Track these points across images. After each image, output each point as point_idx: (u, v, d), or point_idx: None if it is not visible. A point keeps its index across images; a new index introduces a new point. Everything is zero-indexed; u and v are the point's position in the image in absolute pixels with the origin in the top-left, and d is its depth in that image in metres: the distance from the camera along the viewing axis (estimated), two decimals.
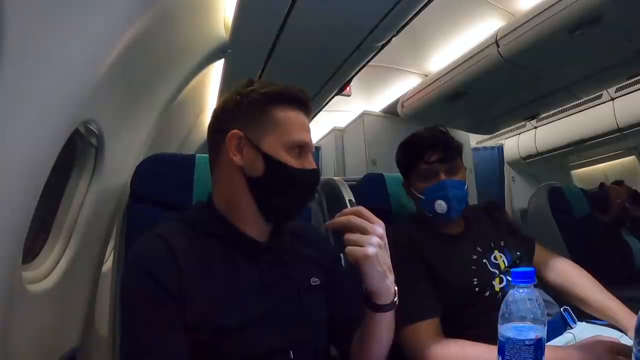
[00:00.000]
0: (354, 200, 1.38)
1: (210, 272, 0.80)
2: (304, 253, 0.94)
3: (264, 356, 0.80)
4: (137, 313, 0.76)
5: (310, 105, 0.91)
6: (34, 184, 0.78)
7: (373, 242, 0.77)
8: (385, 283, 0.81)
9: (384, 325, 0.85)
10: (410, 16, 1.82)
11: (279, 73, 2.21)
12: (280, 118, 0.85)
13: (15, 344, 0.82)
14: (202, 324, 0.76)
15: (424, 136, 1.27)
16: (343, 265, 1.05)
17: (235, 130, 0.84)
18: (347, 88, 2.98)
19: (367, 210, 0.80)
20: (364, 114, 3.67)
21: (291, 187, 0.85)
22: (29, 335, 0.92)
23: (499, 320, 0.68)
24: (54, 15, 0.71)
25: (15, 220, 0.75)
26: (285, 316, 0.84)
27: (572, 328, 1.18)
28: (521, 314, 0.65)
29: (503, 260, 1.21)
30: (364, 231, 0.78)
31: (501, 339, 0.66)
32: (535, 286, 1.24)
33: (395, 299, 0.84)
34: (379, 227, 0.79)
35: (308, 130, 0.89)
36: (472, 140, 4.38)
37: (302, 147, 0.86)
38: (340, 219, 0.79)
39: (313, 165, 0.87)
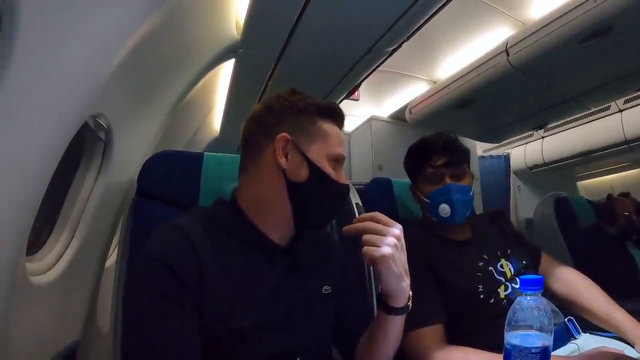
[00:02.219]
0: (360, 204, 1.37)
1: (229, 271, 0.79)
2: (318, 259, 0.94)
3: (273, 358, 0.80)
4: (151, 306, 0.73)
5: (343, 120, 0.94)
6: (41, 176, 0.78)
7: (389, 242, 0.77)
8: (401, 285, 0.81)
9: (394, 329, 0.86)
10: (422, 22, 1.82)
11: (289, 75, 2.22)
12: (326, 130, 0.88)
13: (17, 336, 0.82)
14: (218, 324, 0.75)
15: (433, 140, 1.27)
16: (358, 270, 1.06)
17: (284, 134, 0.84)
18: (356, 92, 2.98)
19: (383, 215, 0.81)
20: (372, 119, 3.67)
21: (328, 197, 0.87)
22: (31, 326, 0.92)
23: (505, 327, 0.67)
24: (67, 10, 0.71)
25: (20, 211, 0.75)
26: (296, 321, 0.84)
27: (576, 339, 1.18)
28: (528, 322, 0.65)
29: (509, 269, 1.20)
30: (380, 233, 0.78)
31: (507, 346, 0.66)
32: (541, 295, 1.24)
33: (409, 303, 0.85)
34: (396, 229, 0.80)
35: (342, 145, 0.91)
36: (479, 148, 4.37)
37: (339, 162, 0.89)
38: (357, 224, 0.80)
39: (346, 181, 0.90)
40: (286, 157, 0.84)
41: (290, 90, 0.92)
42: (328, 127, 0.88)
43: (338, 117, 0.91)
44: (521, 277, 0.70)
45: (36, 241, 1.05)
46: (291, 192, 0.85)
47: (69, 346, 1.13)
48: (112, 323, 1.02)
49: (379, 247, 0.77)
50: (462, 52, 2.79)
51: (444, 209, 1.21)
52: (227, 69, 2.21)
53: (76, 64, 0.78)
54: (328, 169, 0.85)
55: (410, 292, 0.85)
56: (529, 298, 0.66)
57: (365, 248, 0.78)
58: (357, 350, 0.94)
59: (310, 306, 0.88)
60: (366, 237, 0.79)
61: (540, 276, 0.68)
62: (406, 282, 0.82)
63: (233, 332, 0.76)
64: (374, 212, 0.81)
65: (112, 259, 1.49)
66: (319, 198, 0.86)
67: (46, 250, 1.06)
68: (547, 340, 0.64)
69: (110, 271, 1.36)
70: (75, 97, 0.81)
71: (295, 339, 0.83)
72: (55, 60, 0.73)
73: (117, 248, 1.14)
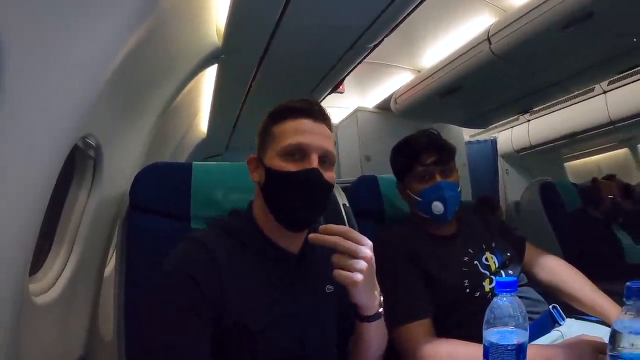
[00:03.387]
0: (347, 204, 1.40)
1: (246, 282, 0.84)
2: (322, 259, 0.95)
3: (283, 355, 0.86)
4: (171, 313, 0.77)
5: (312, 109, 0.93)
6: (39, 200, 0.81)
7: (362, 268, 0.80)
8: (371, 299, 0.86)
9: (373, 332, 0.91)
10: (403, 17, 1.83)
11: (272, 76, 2.24)
12: (277, 131, 0.91)
13: (23, 357, 0.85)
14: (233, 329, 0.80)
15: (420, 139, 1.30)
16: None
17: (252, 156, 0.97)
18: (341, 86, 2.99)
19: (354, 232, 0.82)
20: (358, 110, 3.68)
21: (283, 190, 0.88)
22: (37, 347, 0.94)
23: (484, 325, 0.71)
24: (57, 34, 0.73)
25: (23, 234, 0.78)
26: (306, 322, 0.89)
27: (560, 325, 1.22)
28: (504, 320, 0.69)
29: (494, 262, 1.24)
30: (352, 254, 0.80)
31: (485, 343, 0.70)
32: (526, 285, 1.29)
33: (380, 310, 0.90)
34: (367, 250, 0.82)
35: (308, 132, 0.90)
36: (466, 133, 4.40)
37: (302, 151, 0.88)
38: (327, 238, 0.81)
39: (312, 165, 0.87)
40: (257, 171, 0.95)
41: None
42: (280, 126, 0.91)
43: (290, 111, 0.92)
44: (497, 279, 0.74)
45: (35, 261, 1.07)
46: (263, 198, 0.91)
47: None
48: (116, 333, 1.06)
49: (351, 272, 0.79)
50: (445, 40, 2.80)
51: (437, 206, 1.24)
52: (211, 72, 2.21)
53: (66, 88, 0.79)
54: (281, 164, 0.88)
55: (381, 299, 0.90)
56: (504, 298, 0.70)
57: (337, 272, 0.80)
58: (348, 348, 1.00)
59: (318, 307, 0.93)
60: (338, 259, 0.80)
61: (515, 278, 0.72)
62: (375, 294, 0.87)
63: (247, 335, 0.81)
64: (346, 229, 0.83)
65: (107, 270, 1.51)
66: (278, 193, 0.89)
67: (46, 270, 1.08)
68: (522, 337, 0.68)
69: (106, 282, 1.39)
70: (66, 122, 0.83)
71: (305, 339, 0.89)
72: (46, 85, 0.74)
73: (114, 261, 1.16)
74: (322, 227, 0.82)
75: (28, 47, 0.68)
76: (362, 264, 0.80)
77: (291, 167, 0.87)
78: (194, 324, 0.77)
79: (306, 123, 0.91)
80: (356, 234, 0.82)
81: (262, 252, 0.90)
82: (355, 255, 0.80)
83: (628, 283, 0.66)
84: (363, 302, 0.86)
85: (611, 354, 0.66)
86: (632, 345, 0.63)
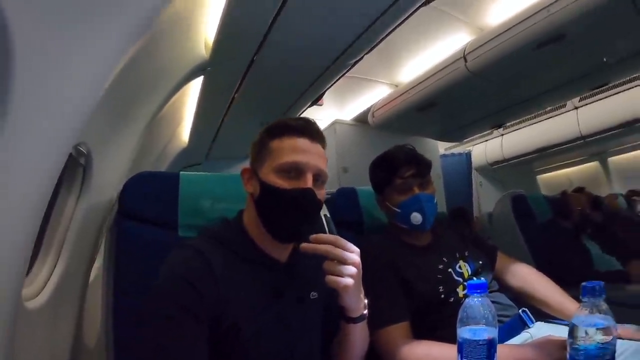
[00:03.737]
0: (328, 215, 1.45)
1: (238, 287, 0.88)
2: (309, 266, 1.01)
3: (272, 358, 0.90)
4: (171, 317, 0.80)
5: (309, 129, 0.97)
6: (38, 205, 0.84)
7: (351, 273, 0.87)
8: (358, 302, 0.93)
9: (357, 333, 0.97)
10: (383, 35, 1.91)
11: (255, 88, 2.30)
12: (274, 147, 0.95)
13: None
14: (228, 332, 0.84)
15: (398, 154, 1.38)
16: None
17: (246, 167, 1.00)
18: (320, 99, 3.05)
19: (343, 240, 0.89)
20: (336, 123, 3.74)
21: (278, 206, 0.92)
22: (29, 352, 0.96)
23: (457, 323, 0.78)
24: (55, 53, 0.77)
25: (22, 238, 0.80)
26: (293, 327, 0.94)
27: (529, 328, 1.29)
28: (476, 319, 0.75)
29: (467, 269, 1.32)
30: (342, 261, 0.86)
31: (460, 339, 0.77)
32: (498, 290, 1.36)
33: (365, 312, 0.96)
34: (355, 256, 0.89)
35: (305, 152, 0.93)
36: (441, 147, 4.51)
37: (297, 169, 0.92)
38: (318, 247, 0.87)
39: (306, 185, 0.91)
40: (250, 183, 0.98)
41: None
42: (277, 142, 0.94)
43: (288, 129, 0.96)
44: (468, 282, 0.80)
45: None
46: (256, 210, 0.95)
47: None
48: (104, 339, 1.08)
49: (342, 277, 0.86)
50: (422, 56, 2.89)
51: (416, 217, 1.31)
52: (196, 83, 2.25)
53: (67, 97, 0.83)
54: (276, 180, 0.91)
55: (366, 302, 0.96)
56: (475, 299, 0.77)
57: (329, 277, 0.86)
58: (331, 350, 1.05)
59: (305, 314, 0.98)
60: (329, 266, 0.87)
61: (485, 281, 0.79)
62: (362, 297, 0.94)
63: (239, 341, 0.85)
64: (335, 237, 0.89)
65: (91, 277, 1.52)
66: (272, 209, 0.93)
67: (34, 275, 1.10)
68: (492, 333, 0.75)
69: (92, 289, 1.40)
70: (65, 132, 0.86)
71: (294, 346, 0.93)
72: (48, 95, 0.78)
73: (102, 268, 1.18)
74: (313, 236, 0.88)
75: (33, 57, 0.71)
76: (352, 270, 0.87)
77: (286, 184, 0.91)
78: (192, 329, 0.80)
79: (303, 142, 0.94)
80: (345, 242, 0.88)
81: (252, 260, 0.94)
82: (344, 262, 0.86)
83: (583, 283, 0.74)
84: (351, 305, 0.92)
85: (571, 345, 0.73)
86: (587, 336, 0.70)
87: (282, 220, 0.93)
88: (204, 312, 0.82)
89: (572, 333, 0.74)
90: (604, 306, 0.73)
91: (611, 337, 0.71)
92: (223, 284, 0.85)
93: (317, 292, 1.02)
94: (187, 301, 0.81)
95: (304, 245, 0.88)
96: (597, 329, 0.70)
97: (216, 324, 0.83)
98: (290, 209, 0.91)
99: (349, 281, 0.86)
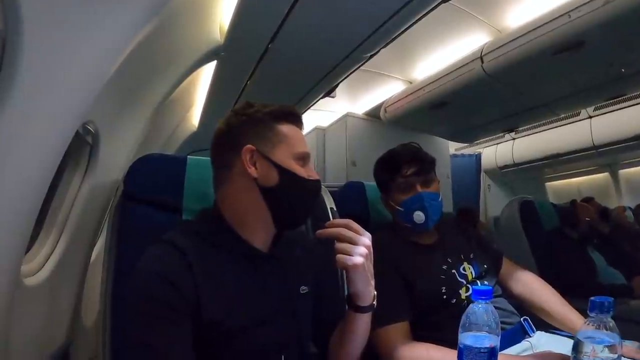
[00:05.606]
0: (335, 208, 1.44)
1: (219, 280, 0.85)
2: (297, 260, 1.01)
3: (260, 353, 0.89)
4: (151, 314, 0.79)
5: (301, 119, 0.99)
6: (41, 182, 0.84)
7: (361, 252, 0.86)
8: (368, 288, 0.91)
9: (362, 325, 0.95)
10: (401, 30, 1.89)
11: (268, 76, 2.28)
12: (285, 132, 0.93)
13: (14, 338, 0.86)
14: (211, 327, 0.82)
15: (401, 152, 1.35)
16: (332, 269, 1.13)
17: (248, 146, 0.90)
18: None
19: (355, 224, 0.88)
20: (347, 116, 3.72)
21: (301, 195, 0.93)
22: (26, 328, 0.96)
23: (459, 329, 0.76)
24: (67, 28, 0.76)
25: (23, 217, 0.80)
26: (280, 320, 0.92)
27: (530, 337, 1.28)
28: (478, 326, 0.74)
29: (471, 272, 1.30)
30: (352, 242, 0.86)
31: (461, 345, 0.75)
32: (500, 296, 1.34)
33: (374, 302, 0.94)
34: (367, 239, 0.88)
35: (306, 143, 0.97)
36: (451, 147, 4.48)
37: (305, 159, 0.94)
38: (331, 230, 0.87)
39: (316, 176, 0.95)
40: (255, 166, 0.90)
41: (244, 104, 0.97)
42: (287, 129, 0.93)
43: (294, 118, 0.96)
44: (473, 287, 0.78)
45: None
46: (267, 197, 0.91)
47: (62, 346, 1.17)
48: (102, 321, 1.07)
49: (352, 256, 0.85)
50: (438, 54, 2.86)
51: (419, 215, 1.29)
52: (209, 67, 2.23)
53: (75, 79, 0.82)
54: (296, 167, 0.91)
55: (375, 293, 0.94)
56: (480, 305, 0.75)
57: (339, 256, 0.86)
58: (330, 343, 1.03)
59: (291, 305, 0.96)
60: (340, 245, 0.86)
61: (490, 287, 0.77)
62: (372, 285, 0.92)
63: (224, 333, 0.83)
64: (348, 220, 0.89)
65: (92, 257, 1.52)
66: (294, 197, 0.92)
67: (35, 252, 1.10)
68: (494, 341, 0.73)
69: (92, 269, 1.40)
70: (72, 109, 0.86)
71: (280, 335, 0.92)
72: (56, 77, 0.77)
73: (104, 249, 1.18)
74: (328, 222, 0.90)
75: (43, 33, 0.70)
76: (362, 250, 0.86)
77: (302, 172, 0.92)
78: (174, 321, 0.79)
79: (301, 132, 0.98)
80: (357, 226, 0.88)
81: (232, 249, 0.91)
82: (355, 243, 0.86)
83: (592, 298, 0.71)
84: (361, 288, 0.90)
85: None
86: (594, 353, 0.68)
87: (300, 208, 0.95)
88: (184, 305, 0.80)
89: (576, 348, 0.72)
90: (611, 323, 0.71)
91: (617, 355, 0.69)
92: (199, 273, 0.83)
93: (307, 286, 1.01)
94: (165, 296, 0.79)
95: (319, 231, 0.89)
96: (604, 346, 0.68)
97: (197, 315, 0.81)
98: (310, 198, 0.95)
99: (358, 259, 0.85)
